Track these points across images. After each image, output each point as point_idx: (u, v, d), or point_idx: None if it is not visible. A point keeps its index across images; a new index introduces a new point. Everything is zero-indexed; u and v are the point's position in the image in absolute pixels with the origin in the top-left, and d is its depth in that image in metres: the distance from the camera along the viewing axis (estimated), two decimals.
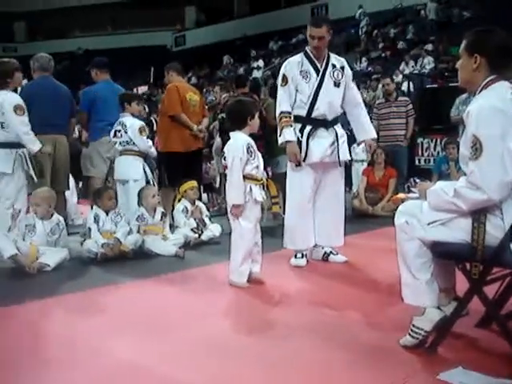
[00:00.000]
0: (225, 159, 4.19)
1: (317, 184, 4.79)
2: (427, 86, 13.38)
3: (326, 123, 4.71)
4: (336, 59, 4.81)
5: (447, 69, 14.49)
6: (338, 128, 4.79)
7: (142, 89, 21.13)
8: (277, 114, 4.76)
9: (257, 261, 4.28)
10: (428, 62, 16.64)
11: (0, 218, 5.02)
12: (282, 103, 4.72)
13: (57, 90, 6.07)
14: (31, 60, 6.07)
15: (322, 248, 4.91)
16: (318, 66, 4.71)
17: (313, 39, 4.67)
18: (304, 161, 4.68)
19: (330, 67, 4.73)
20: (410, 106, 8.51)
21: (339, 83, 4.74)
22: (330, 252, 4.89)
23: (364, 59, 19.66)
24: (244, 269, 4.18)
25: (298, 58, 4.79)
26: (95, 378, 2.66)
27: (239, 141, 4.14)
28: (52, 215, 5.07)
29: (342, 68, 4.77)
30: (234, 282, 4.18)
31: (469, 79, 2.83)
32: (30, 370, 2.76)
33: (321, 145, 4.70)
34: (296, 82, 4.69)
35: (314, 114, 4.70)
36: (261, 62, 23.40)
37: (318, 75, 4.69)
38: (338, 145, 4.71)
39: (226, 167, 4.22)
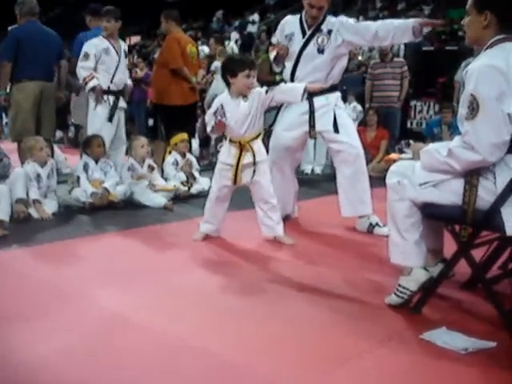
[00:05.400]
0: None
1: (296, 151, 4.73)
2: (423, 49, 13.22)
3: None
4: (327, 23, 4.38)
5: (444, 32, 14.31)
6: (321, 98, 4.42)
7: (135, 39, 20.75)
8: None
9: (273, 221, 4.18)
10: None
11: None
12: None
13: (46, 35, 5.90)
14: (16, 5, 5.91)
15: (368, 218, 4.54)
16: (307, 30, 4.42)
17: (311, 8, 4.31)
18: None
19: (317, 33, 4.39)
20: (405, 68, 8.47)
21: (323, 49, 4.37)
22: (376, 223, 4.51)
23: (361, 18, 19.36)
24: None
25: (293, 18, 4.52)
26: (77, 326, 2.66)
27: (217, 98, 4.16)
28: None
29: (330, 32, 4.35)
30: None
31: (476, 38, 2.70)
32: (14, 317, 2.76)
33: (287, 116, 4.54)
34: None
35: (296, 82, 4.45)
36: (256, 16, 22.97)
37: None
38: (313, 116, 4.42)
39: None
